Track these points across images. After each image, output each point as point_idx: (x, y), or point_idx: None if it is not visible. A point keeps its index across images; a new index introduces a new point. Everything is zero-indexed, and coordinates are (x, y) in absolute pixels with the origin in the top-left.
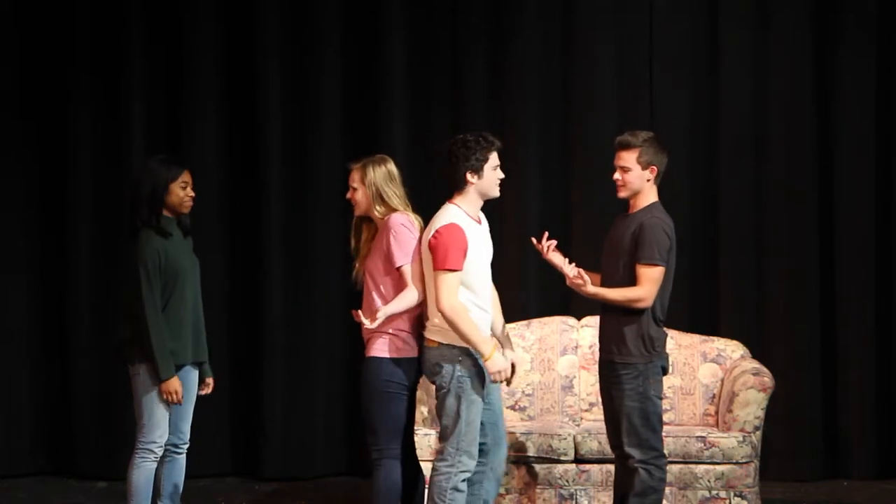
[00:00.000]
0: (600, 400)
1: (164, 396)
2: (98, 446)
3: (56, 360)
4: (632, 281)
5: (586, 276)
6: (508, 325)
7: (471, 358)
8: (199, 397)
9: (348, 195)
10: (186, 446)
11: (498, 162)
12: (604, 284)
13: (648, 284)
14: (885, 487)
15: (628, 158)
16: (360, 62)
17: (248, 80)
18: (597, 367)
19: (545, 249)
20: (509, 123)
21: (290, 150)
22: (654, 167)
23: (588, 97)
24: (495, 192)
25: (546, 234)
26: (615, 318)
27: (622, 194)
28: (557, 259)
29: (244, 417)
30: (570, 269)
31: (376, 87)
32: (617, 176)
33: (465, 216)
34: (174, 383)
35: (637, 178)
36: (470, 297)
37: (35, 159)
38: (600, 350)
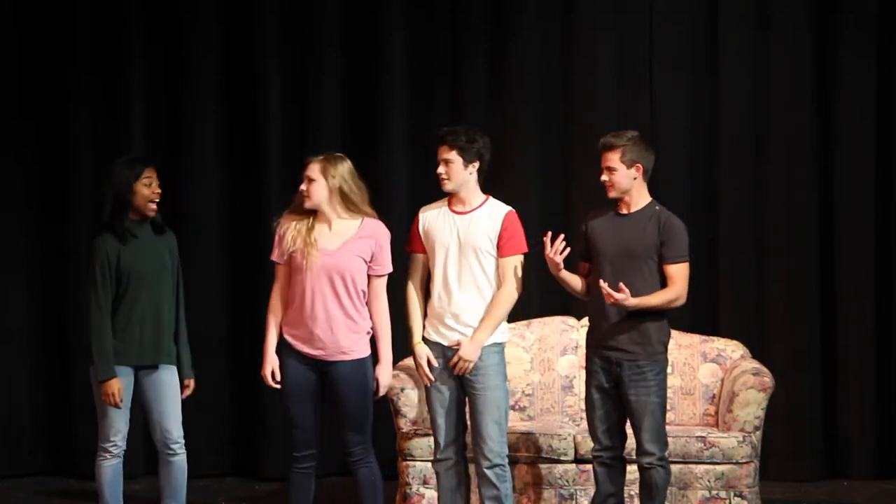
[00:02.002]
0: (594, 400)
1: (103, 398)
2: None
3: (56, 360)
4: (661, 281)
5: (626, 290)
6: (509, 325)
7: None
8: (195, 398)
9: (303, 186)
10: (178, 446)
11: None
12: (613, 289)
13: (682, 282)
14: (885, 487)
15: (612, 159)
16: (360, 62)
17: (248, 80)
18: None
19: (554, 251)
20: (509, 123)
21: (290, 150)
22: (640, 165)
23: (588, 97)
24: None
25: (562, 236)
26: (638, 317)
27: (612, 194)
28: (566, 274)
29: (244, 417)
30: (607, 288)
31: (376, 87)
32: (604, 177)
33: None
34: (111, 385)
35: (624, 178)
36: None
37: (35, 159)
38: (608, 349)
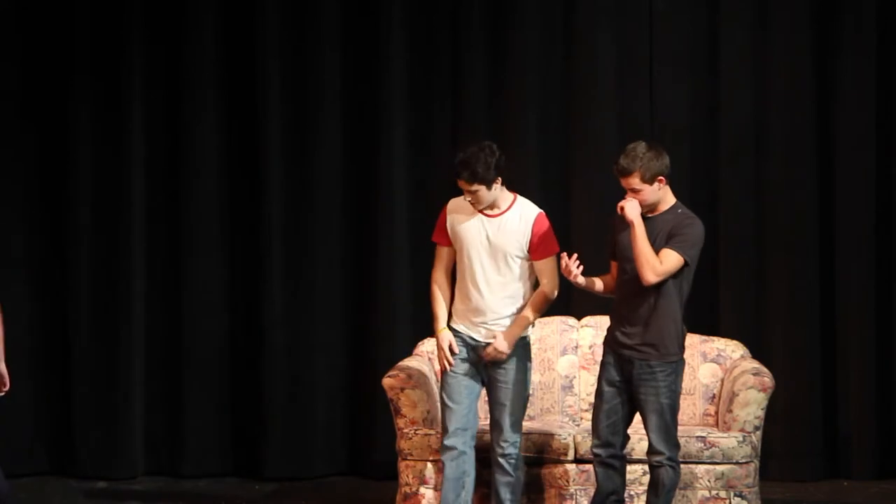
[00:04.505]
0: (603, 393)
1: None
2: (98, 446)
3: (56, 359)
4: (678, 305)
5: (628, 201)
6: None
7: None
8: (195, 398)
9: None
10: None
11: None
12: (629, 289)
13: (668, 267)
14: (885, 487)
15: (634, 182)
16: (360, 62)
17: (248, 80)
18: (597, 367)
19: (572, 272)
20: (509, 123)
21: (290, 150)
22: (661, 177)
23: (588, 97)
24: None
25: (575, 255)
26: (653, 318)
27: (643, 210)
28: (585, 281)
29: (244, 417)
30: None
31: (376, 87)
32: (633, 198)
33: (458, 202)
34: None
35: (650, 195)
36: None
37: (35, 159)
38: (622, 347)
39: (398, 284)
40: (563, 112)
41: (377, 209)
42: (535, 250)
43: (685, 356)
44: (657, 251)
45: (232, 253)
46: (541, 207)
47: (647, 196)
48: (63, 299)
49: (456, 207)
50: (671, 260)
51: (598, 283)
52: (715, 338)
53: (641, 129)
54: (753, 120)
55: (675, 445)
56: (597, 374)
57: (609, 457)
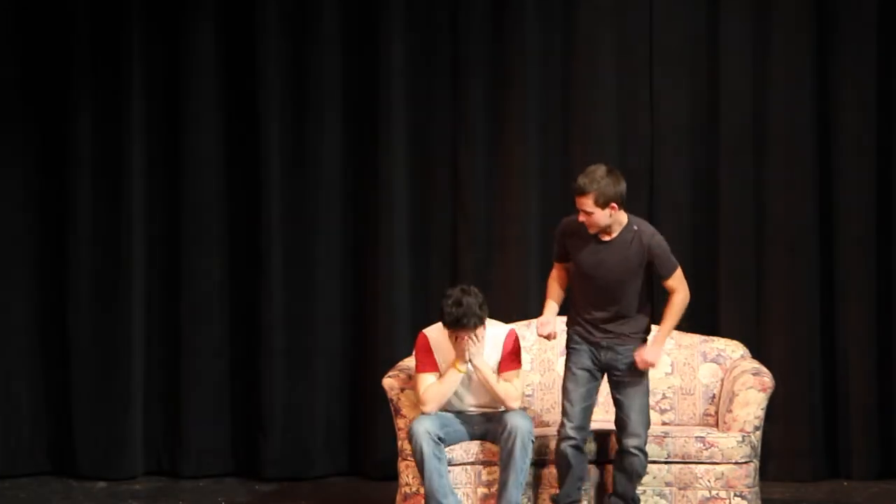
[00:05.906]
0: (577, 377)
1: None
2: (98, 446)
3: (56, 359)
4: (647, 298)
5: (648, 362)
6: (510, 324)
7: None
8: (196, 398)
9: None
10: None
11: None
12: (601, 297)
13: (682, 285)
14: (885, 487)
15: (587, 203)
16: (360, 62)
17: (248, 80)
18: None
19: (553, 336)
20: (509, 123)
21: (290, 150)
22: (614, 203)
23: (588, 97)
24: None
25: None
26: (630, 312)
27: (593, 231)
28: (553, 312)
29: (244, 418)
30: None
31: (376, 87)
32: (582, 219)
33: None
34: None
35: (601, 218)
36: None
37: (35, 159)
38: (598, 336)
39: (398, 284)
40: (564, 112)
41: (377, 209)
42: (503, 366)
43: (684, 356)
44: (632, 270)
45: (232, 252)
46: (540, 207)
47: (598, 219)
48: (63, 299)
49: (437, 343)
50: (678, 278)
51: (556, 306)
52: (715, 338)
53: (641, 129)
54: (753, 120)
55: (648, 426)
56: None
57: (582, 441)
